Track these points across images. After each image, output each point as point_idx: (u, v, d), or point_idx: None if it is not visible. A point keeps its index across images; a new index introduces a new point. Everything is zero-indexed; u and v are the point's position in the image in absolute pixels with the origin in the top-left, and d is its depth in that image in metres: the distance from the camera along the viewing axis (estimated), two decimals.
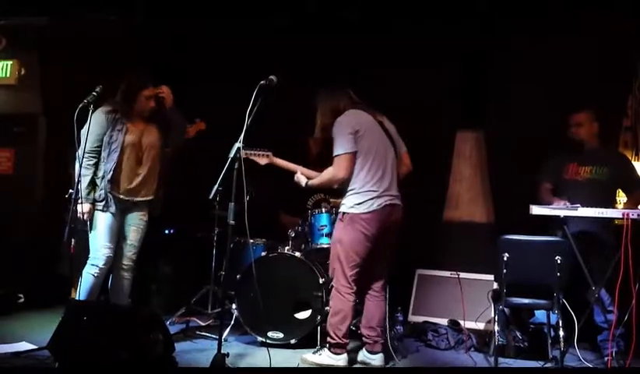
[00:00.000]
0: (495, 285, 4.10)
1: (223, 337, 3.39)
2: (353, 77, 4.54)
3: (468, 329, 4.33)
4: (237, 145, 3.38)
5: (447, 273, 4.82)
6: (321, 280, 4.01)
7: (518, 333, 4.10)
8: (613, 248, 3.63)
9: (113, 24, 5.49)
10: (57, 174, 5.10)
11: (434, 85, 5.17)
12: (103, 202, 3.74)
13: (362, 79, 4.75)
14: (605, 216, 3.57)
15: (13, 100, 5.63)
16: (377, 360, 3.59)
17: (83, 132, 3.63)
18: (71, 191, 3.92)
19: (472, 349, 4.17)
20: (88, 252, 3.78)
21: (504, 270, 3.66)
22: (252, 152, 4.00)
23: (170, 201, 4.08)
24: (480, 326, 4.41)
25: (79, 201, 3.62)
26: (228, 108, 3.96)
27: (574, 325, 3.68)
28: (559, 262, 3.56)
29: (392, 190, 3.59)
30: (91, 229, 3.75)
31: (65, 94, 4.39)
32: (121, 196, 3.79)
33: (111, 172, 3.72)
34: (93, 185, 3.75)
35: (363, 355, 3.65)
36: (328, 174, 3.60)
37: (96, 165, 3.75)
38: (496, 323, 3.84)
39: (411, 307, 4.89)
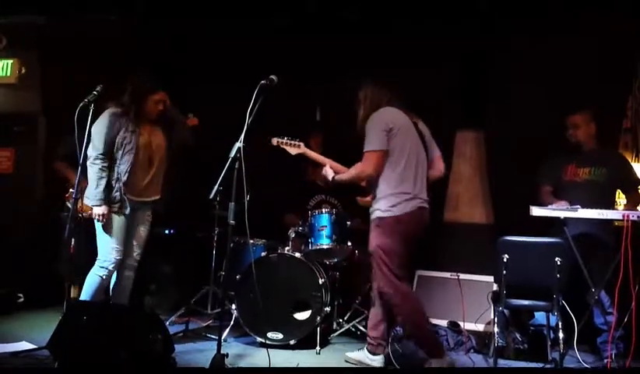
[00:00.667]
0: (495, 286, 4.10)
1: (222, 338, 3.40)
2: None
3: (467, 330, 4.32)
4: (238, 144, 3.37)
5: (447, 275, 4.80)
6: (320, 281, 4.01)
7: (517, 335, 4.11)
8: (612, 250, 3.62)
9: (113, 24, 5.49)
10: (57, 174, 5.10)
11: (434, 85, 5.15)
12: (118, 205, 3.72)
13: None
14: (605, 217, 3.56)
15: (13, 100, 5.64)
16: (377, 361, 3.60)
17: (94, 130, 3.61)
18: (71, 190, 3.91)
19: (472, 350, 4.15)
20: (88, 252, 3.77)
21: (504, 272, 3.65)
22: (284, 141, 3.97)
23: (170, 201, 4.08)
24: (480, 327, 4.40)
25: (79, 201, 3.61)
26: (228, 108, 3.96)
27: (574, 327, 3.67)
28: (559, 263, 3.56)
29: (422, 194, 3.56)
30: (105, 232, 3.72)
31: (65, 94, 4.38)
32: (134, 198, 3.78)
33: (127, 174, 3.71)
34: (109, 187, 3.71)
35: (364, 355, 3.65)
36: (356, 169, 3.56)
37: (110, 167, 3.73)
38: (496, 325, 3.85)
39: None
